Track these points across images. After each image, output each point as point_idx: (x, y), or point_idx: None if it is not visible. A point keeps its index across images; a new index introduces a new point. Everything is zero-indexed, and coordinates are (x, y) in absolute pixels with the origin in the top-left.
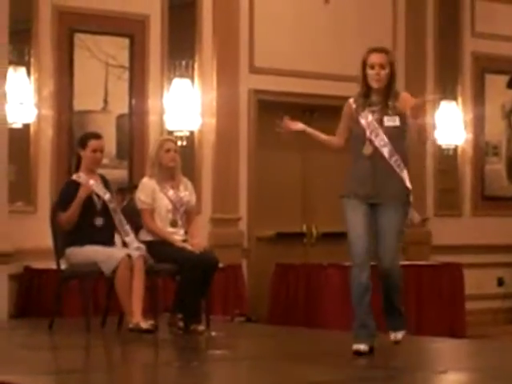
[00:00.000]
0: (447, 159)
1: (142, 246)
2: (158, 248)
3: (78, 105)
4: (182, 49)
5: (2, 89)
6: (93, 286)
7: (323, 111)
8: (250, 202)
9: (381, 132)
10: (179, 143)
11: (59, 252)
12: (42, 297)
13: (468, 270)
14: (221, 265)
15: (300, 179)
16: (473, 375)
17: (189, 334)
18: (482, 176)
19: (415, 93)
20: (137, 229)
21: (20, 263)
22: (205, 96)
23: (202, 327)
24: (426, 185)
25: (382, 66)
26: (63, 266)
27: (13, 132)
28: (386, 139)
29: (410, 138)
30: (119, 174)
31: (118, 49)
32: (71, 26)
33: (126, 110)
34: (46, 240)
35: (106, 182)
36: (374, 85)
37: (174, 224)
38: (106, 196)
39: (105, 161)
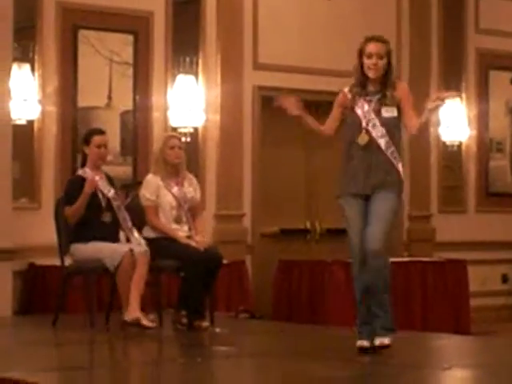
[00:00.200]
0: (451, 156)
1: (143, 242)
2: (162, 244)
3: (82, 101)
4: (185, 45)
5: (6, 85)
6: (97, 282)
7: (327, 107)
8: (254, 199)
9: (378, 122)
10: (183, 139)
11: (63, 248)
12: (46, 293)
13: (472, 267)
14: (225, 261)
15: (304, 175)
16: (477, 372)
17: (193, 331)
18: (487, 172)
19: (420, 89)
20: (141, 225)
21: (24, 260)
22: (209, 92)
23: (205, 323)
24: (430, 181)
25: (379, 56)
26: (67, 263)
27: (17, 128)
28: (383, 130)
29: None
30: (123, 170)
31: (122, 45)
32: (75, 22)
33: (130, 107)
34: (50, 236)
35: (110, 180)
36: (371, 74)
37: (178, 220)
38: (110, 193)
39: (109, 157)
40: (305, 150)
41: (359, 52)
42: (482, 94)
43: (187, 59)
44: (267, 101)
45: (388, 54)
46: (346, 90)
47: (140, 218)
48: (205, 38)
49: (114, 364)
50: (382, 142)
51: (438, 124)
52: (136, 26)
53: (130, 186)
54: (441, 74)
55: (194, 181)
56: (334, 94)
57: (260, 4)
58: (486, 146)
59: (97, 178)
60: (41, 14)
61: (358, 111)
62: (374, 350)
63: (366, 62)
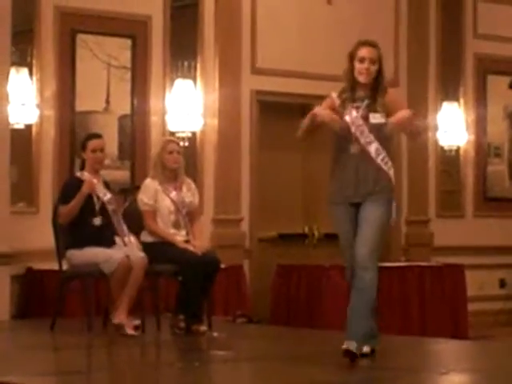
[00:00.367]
0: (449, 160)
1: (138, 247)
2: (160, 249)
3: (80, 105)
4: (184, 49)
5: (4, 89)
6: (94, 287)
7: None
8: (252, 203)
9: (366, 129)
10: (181, 144)
11: (61, 253)
12: (44, 297)
13: (470, 272)
14: (222, 265)
15: (302, 180)
16: (475, 376)
17: (191, 335)
18: (484, 177)
19: (417, 94)
20: (139, 230)
21: (22, 264)
22: (207, 97)
23: (203, 328)
24: (428, 186)
25: (372, 61)
26: (65, 267)
27: (15, 133)
28: (372, 137)
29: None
30: (121, 174)
31: (120, 49)
32: (73, 26)
33: (128, 111)
34: (48, 241)
35: (106, 185)
36: (362, 79)
37: (176, 225)
38: (106, 197)
39: (107, 161)
40: (303, 155)
41: (350, 56)
42: (480, 98)
43: (185, 63)
44: (265, 105)
45: (380, 59)
46: (334, 95)
47: (138, 222)
48: (203, 42)
49: (112, 368)
50: (372, 149)
51: (436, 129)
52: (134, 30)
53: (128, 191)
54: (439, 78)
55: (192, 185)
56: None
57: (258, 8)
58: (484, 150)
59: (94, 181)
60: (39, 18)
61: (347, 118)
62: (372, 353)
63: (358, 66)
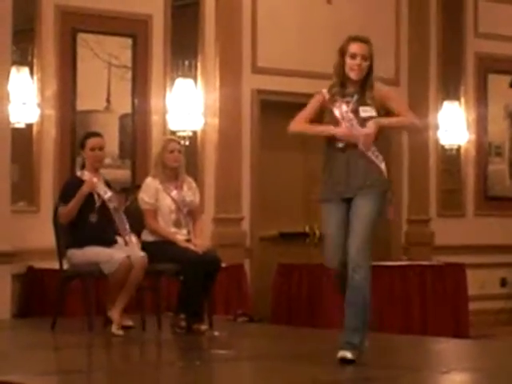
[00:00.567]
0: (450, 159)
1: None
2: (161, 248)
3: (81, 105)
4: (184, 49)
5: (5, 89)
6: (95, 286)
7: None
8: (253, 202)
9: (355, 123)
10: (182, 143)
11: (62, 252)
12: (45, 296)
13: (471, 271)
14: (223, 265)
15: (303, 179)
16: (476, 375)
17: (191, 334)
18: (485, 176)
19: (418, 93)
20: (140, 229)
21: (23, 263)
22: (207, 96)
23: (204, 327)
24: (429, 185)
25: (364, 57)
26: (66, 266)
27: (16, 132)
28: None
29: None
30: (122, 173)
31: (120, 49)
32: (74, 25)
33: (128, 110)
34: (49, 240)
35: (107, 184)
36: (353, 75)
37: (176, 224)
38: (107, 195)
39: (107, 161)
40: (303, 154)
41: (341, 51)
42: (481, 97)
43: (186, 63)
44: (266, 104)
45: (371, 55)
46: (325, 90)
47: (139, 221)
48: (204, 41)
49: (113, 367)
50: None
51: (436, 128)
52: (135, 30)
53: (129, 190)
54: (439, 77)
55: (193, 184)
56: None
57: (259, 7)
58: (485, 149)
59: (95, 179)
60: (40, 18)
61: (336, 112)
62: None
63: (350, 62)
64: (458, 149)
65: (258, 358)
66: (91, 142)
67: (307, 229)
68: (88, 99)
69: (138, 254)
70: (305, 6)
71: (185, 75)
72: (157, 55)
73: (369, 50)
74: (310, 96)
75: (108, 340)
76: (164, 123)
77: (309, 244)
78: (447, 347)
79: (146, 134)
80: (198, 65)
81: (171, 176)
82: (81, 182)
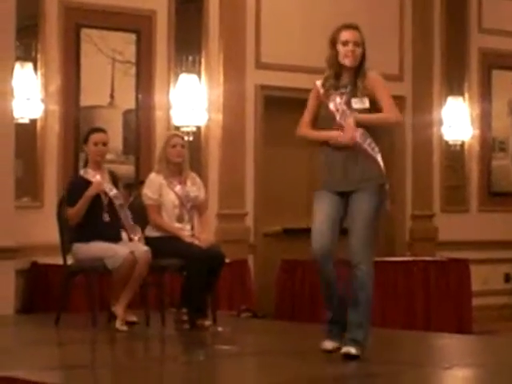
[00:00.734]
0: (454, 155)
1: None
2: (165, 243)
3: (85, 100)
4: (188, 44)
5: (9, 84)
6: (99, 281)
7: None
8: (257, 198)
9: (349, 115)
10: (186, 138)
11: (66, 247)
12: (49, 292)
13: (475, 266)
14: (227, 260)
15: (306, 175)
16: (479, 371)
17: (195, 330)
18: (489, 172)
19: (422, 88)
20: (144, 224)
21: (26, 259)
22: (211, 91)
23: (208, 322)
24: (433, 181)
25: (356, 44)
26: (70, 261)
27: (19, 127)
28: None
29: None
30: (126, 169)
31: (124, 44)
32: (78, 21)
33: (132, 106)
34: (53, 235)
35: (114, 178)
36: (348, 62)
37: (180, 219)
38: (112, 192)
39: (111, 156)
40: (307, 150)
41: (332, 41)
42: (485, 93)
43: (190, 58)
44: (270, 100)
45: (363, 42)
46: (319, 83)
47: (143, 217)
48: (207, 36)
49: (117, 363)
50: (357, 135)
51: (440, 123)
52: (139, 25)
53: (133, 185)
54: (443, 73)
55: (198, 180)
56: None
57: (263, 3)
58: (489, 145)
59: (98, 176)
60: (43, 13)
61: (331, 105)
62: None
63: (343, 49)
64: (462, 144)
65: (262, 353)
66: (95, 136)
67: (311, 225)
68: (92, 95)
69: (142, 249)
70: (308, 2)
71: (189, 71)
72: (161, 51)
73: (360, 36)
74: None
75: (112, 335)
76: (168, 119)
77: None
78: (450, 343)
79: (150, 130)
80: (202, 60)
81: (175, 171)
82: (85, 181)
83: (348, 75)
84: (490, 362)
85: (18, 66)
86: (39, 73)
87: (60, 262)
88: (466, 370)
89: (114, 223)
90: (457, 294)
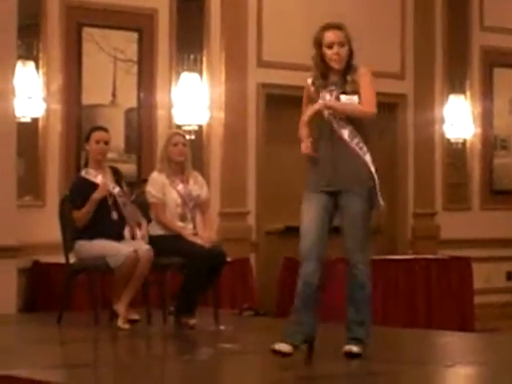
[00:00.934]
0: (456, 153)
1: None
2: (168, 242)
3: (87, 99)
4: (190, 43)
5: (11, 83)
6: (101, 280)
7: None
8: (259, 196)
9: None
10: (188, 137)
11: (68, 246)
12: (51, 291)
13: (477, 264)
14: (229, 259)
15: None
16: (481, 369)
17: (179, 327)
18: (491, 170)
19: (424, 86)
20: (146, 222)
21: (28, 257)
22: (213, 90)
23: (192, 321)
24: (435, 179)
25: (340, 44)
26: (72, 260)
27: (21, 126)
28: (344, 121)
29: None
30: (128, 168)
31: (126, 43)
32: (79, 20)
33: (134, 104)
34: (55, 234)
35: (117, 175)
36: (335, 65)
37: (182, 218)
38: (115, 190)
39: (113, 155)
40: None
41: (317, 42)
42: (487, 91)
43: (191, 57)
44: (271, 98)
45: (348, 40)
46: (310, 81)
47: (145, 215)
48: (209, 35)
49: (119, 361)
50: (346, 133)
51: (442, 121)
52: (140, 24)
53: (135, 184)
54: (445, 71)
55: (200, 178)
56: None
57: (264, 1)
58: (491, 143)
59: (100, 177)
60: (45, 12)
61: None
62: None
63: (328, 52)
64: (464, 142)
65: (264, 351)
66: (97, 134)
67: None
68: (93, 93)
69: (144, 248)
70: (310, 0)
71: (190, 69)
72: (162, 49)
73: (344, 35)
74: None
75: (114, 334)
76: (170, 117)
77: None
78: (452, 341)
79: (152, 129)
80: (204, 59)
81: (177, 170)
82: (88, 182)
83: (336, 74)
84: (492, 359)
85: (19, 64)
86: (41, 72)
87: (62, 260)
88: (468, 368)
89: (121, 221)
90: (459, 292)
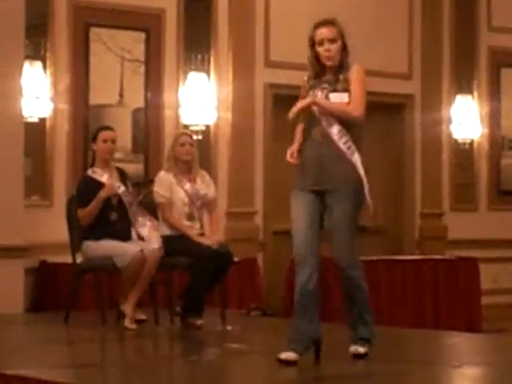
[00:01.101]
0: (463, 153)
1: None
2: (175, 242)
3: (94, 99)
4: (197, 43)
5: (18, 83)
6: (108, 280)
7: None
8: (266, 196)
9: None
10: (195, 137)
11: (75, 246)
12: (58, 290)
13: (484, 265)
14: (236, 259)
15: None
16: (488, 369)
17: (185, 328)
18: (498, 170)
19: (432, 87)
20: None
21: (36, 257)
22: (220, 90)
23: (199, 321)
24: (442, 179)
25: (331, 40)
26: (79, 260)
27: (29, 126)
28: (333, 118)
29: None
30: (135, 168)
31: (133, 43)
32: (87, 20)
33: (141, 104)
34: (62, 234)
35: (123, 175)
36: (327, 62)
37: (190, 217)
38: (120, 190)
39: (120, 155)
40: None
41: (311, 41)
42: (494, 91)
43: (199, 57)
44: (279, 98)
45: (341, 35)
46: (305, 78)
47: (153, 215)
48: (216, 35)
49: (126, 361)
50: (333, 132)
51: (449, 122)
52: (148, 24)
53: (142, 184)
54: (453, 71)
55: (207, 177)
56: None
57: (272, 1)
58: (498, 143)
59: (106, 176)
60: (52, 12)
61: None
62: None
63: (320, 50)
64: (471, 143)
65: (271, 352)
66: (104, 134)
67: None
68: (101, 93)
69: (151, 248)
70: (317, 0)
71: (198, 69)
72: (170, 49)
73: (336, 30)
74: None
75: (121, 334)
76: (177, 117)
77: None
78: (460, 341)
79: (159, 129)
80: (211, 59)
81: (184, 169)
82: (95, 181)
83: (331, 72)
84: (500, 360)
85: (27, 64)
86: (48, 71)
87: (69, 260)
88: (475, 369)
89: (123, 222)
90: (466, 293)
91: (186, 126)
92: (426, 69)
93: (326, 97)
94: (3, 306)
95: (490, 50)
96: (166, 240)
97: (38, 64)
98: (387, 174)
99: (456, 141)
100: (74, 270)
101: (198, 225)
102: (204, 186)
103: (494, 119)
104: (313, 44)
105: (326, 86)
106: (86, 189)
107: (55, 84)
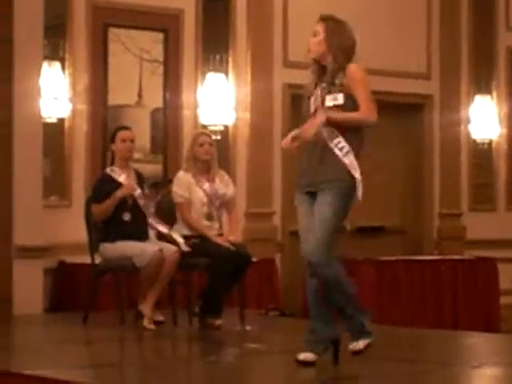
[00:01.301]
0: (482, 153)
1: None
2: (194, 242)
3: (113, 99)
4: (216, 43)
5: (37, 83)
6: (126, 280)
7: None
8: (284, 196)
9: (321, 111)
10: (213, 137)
11: (94, 246)
12: (77, 291)
13: (502, 265)
14: (254, 259)
15: None
16: (507, 370)
17: (204, 328)
18: None
19: (450, 87)
20: (172, 223)
21: (54, 257)
22: (239, 90)
23: (218, 321)
24: (461, 179)
25: (315, 33)
26: (97, 260)
27: (47, 126)
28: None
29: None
30: (153, 168)
31: (152, 43)
32: (105, 20)
33: (160, 105)
34: (81, 234)
35: (140, 178)
36: (311, 54)
37: (209, 217)
38: (137, 192)
39: (139, 155)
40: None
41: None
42: None
43: (217, 57)
44: (297, 98)
45: (328, 31)
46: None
47: (171, 215)
48: (235, 35)
49: (144, 362)
50: (325, 133)
51: (468, 122)
52: (166, 24)
53: (161, 184)
54: (471, 72)
55: (226, 177)
56: None
57: (290, 1)
58: None
59: (123, 176)
60: (71, 12)
61: (312, 99)
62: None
63: None
64: (490, 143)
65: (290, 352)
66: (122, 133)
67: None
68: (119, 94)
69: (171, 248)
70: (335, 0)
71: (216, 69)
72: (188, 50)
73: (324, 26)
74: None
75: (139, 334)
76: (195, 117)
77: (340, 238)
78: (478, 342)
79: (178, 129)
80: (230, 59)
81: (203, 169)
82: (112, 179)
83: (328, 71)
84: None
85: (45, 65)
86: (67, 72)
87: (87, 260)
88: (494, 369)
89: (136, 223)
90: (485, 293)
91: (205, 127)
92: (444, 69)
93: (322, 97)
94: (22, 306)
95: (508, 50)
96: (185, 240)
97: (57, 64)
98: (406, 174)
99: (475, 141)
100: (93, 271)
101: (216, 225)
102: (223, 185)
103: None
104: None
105: (324, 85)
106: (102, 185)
107: (74, 84)
